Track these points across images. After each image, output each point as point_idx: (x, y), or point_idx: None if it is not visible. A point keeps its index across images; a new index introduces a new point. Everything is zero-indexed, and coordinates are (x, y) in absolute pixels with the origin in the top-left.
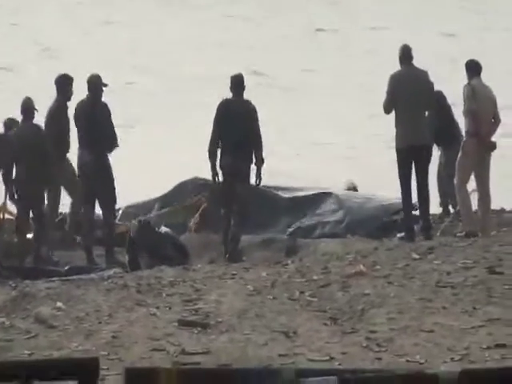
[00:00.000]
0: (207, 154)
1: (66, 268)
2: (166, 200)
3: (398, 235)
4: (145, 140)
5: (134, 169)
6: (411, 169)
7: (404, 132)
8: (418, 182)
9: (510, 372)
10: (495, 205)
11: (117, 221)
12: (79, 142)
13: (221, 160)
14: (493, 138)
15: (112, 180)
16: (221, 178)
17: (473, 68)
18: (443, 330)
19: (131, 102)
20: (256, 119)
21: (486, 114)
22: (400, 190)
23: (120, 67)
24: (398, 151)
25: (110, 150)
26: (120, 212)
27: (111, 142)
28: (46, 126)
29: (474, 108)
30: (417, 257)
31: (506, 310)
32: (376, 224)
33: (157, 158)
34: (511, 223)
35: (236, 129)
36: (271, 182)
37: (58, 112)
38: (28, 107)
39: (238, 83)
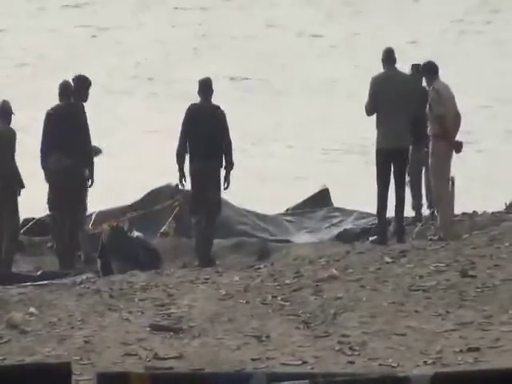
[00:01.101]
0: (175, 157)
1: (39, 273)
2: (139, 206)
3: (371, 238)
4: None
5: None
6: (390, 171)
7: (385, 134)
8: (396, 185)
9: (482, 375)
10: (467, 208)
11: (90, 226)
12: (54, 146)
13: (190, 165)
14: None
15: (85, 187)
16: (190, 184)
17: (431, 69)
18: (416, 334)
19: None
20: (225, 123)
21: (451, 115)
22: (376, 192)
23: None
24: (378, 152)
25: (88, 158)
26: (93, 217)
27: (90, 150)
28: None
29: (441, 112)
30: (389, 260)
31: (478, 314)
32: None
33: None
34: (483, 226)
35: (205, 133)
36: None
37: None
38: (4, 110)
39: (206, 87)
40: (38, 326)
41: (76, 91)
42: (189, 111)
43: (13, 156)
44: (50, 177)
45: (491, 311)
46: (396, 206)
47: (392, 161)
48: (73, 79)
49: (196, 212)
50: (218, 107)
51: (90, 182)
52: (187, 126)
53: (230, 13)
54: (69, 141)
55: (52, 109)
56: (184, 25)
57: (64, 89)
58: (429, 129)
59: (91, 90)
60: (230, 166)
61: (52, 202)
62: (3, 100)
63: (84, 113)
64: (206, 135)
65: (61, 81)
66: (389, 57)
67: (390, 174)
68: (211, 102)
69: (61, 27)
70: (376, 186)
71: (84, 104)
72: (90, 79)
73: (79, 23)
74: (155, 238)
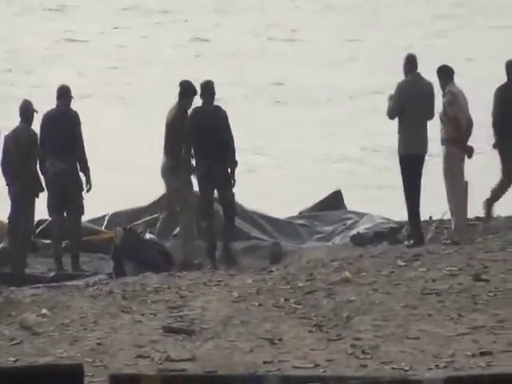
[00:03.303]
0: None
1: (52, 275)
2: (153, 208)
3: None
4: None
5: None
6: (416, 175)
7: (409, 139)
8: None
9: (494, 379)
10: (481, 212)
11: (103, 228)
12: (49, 151)
13: (196, 167)
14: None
15: (81, 190)
16: (198, 187)
17: (446, 73)
18: (428, 337)
19: None
20: (228, 124)
21: (465, 119)
22: (405, 198)
23: None
24: (403, 157)
25: (84, 161)
26: (106, 219)
27: (84, 154)
28: (165, 132)
29: (456, 115)
30: (402, 264)
31: (491, 318)
32: None
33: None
34: (497, 230)
35: (209, 136)
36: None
37: (178, 118)
38: (25, 110)
39: (207, 90)
40: (50, 328)
41: (179, 97)
42: (192, 115)
43: (33, 158)
44: (46, 181)
45: (504, 315)
46: None
47: (416, 165)
48: (179, 84)
49: (206, 215)
50: (220, 107)
51: (88, 187)
52: (192, 131)
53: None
54: (61, 145)
55: (46, 113)
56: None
57: (60, 93)
58: (442, 132)
59: None
60: (234, 165)
61: (51, 206)
62: (24, 99)
63: (76, 118)
64: (210, 137)
65: (59, 85)
66: (412, 63)
67: (416, 178)
68: (213, 104)
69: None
70: (404, 190)
71: (186, 111)
72: (195, 87)
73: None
74: (168, 240)
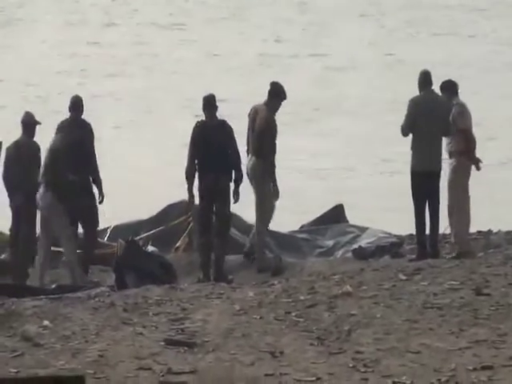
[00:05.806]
0: (185, 175)
1: (53, 286)
2: (154, 221)
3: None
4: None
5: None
6: (426, 192)
7: (422, 156)
8: (430, 208)
9: None
10: (482, 226)
11: (105, 240)
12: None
13: (200, 182)
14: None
15: (95, 202)
16: (199, 202)
17: (450, 87)
18: (430, 351)
19: None
20: (233, 138)
21: (472, 131)
22: (414, 212)
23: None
24: (414, 174)
25: (96, 175)
26: (108, 232)
27: (96, 166)
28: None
29: (466, 126)
30: (404, 278)
31: (492, 332)
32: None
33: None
34: (498, 245)
35: (214, 149)
36: None
37: (270, 120)
38: (27, 122)
39: (210, 104)
40: (51, 339)
41: (270, 97)
42: (196, 129)
43: (36, 170)
44: (63, 193)
45: (505, 329)
46: (431, 231)
47: (428, 183)
48: (271, 84)
49: (203, 232)
50: (225, 122)
51: (100, 198)
52: (195, 144)
53: None
54: (73, 157)
55: (61, 122)
56: None
57: (73, 103)
58: (450, 145)
59: None
60: (241, 181)
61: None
62: (26, 111)
63: (89, 130)
64: (214, 151)
65: (73, 95)
66: (426, 79)
67: (425, 196)
68: (217, 117)
69: None
70: (413, 206)
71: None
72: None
73: None
74: (170, 252)
